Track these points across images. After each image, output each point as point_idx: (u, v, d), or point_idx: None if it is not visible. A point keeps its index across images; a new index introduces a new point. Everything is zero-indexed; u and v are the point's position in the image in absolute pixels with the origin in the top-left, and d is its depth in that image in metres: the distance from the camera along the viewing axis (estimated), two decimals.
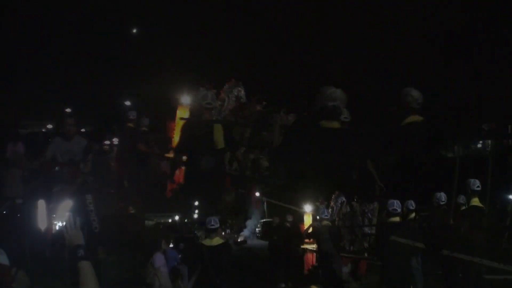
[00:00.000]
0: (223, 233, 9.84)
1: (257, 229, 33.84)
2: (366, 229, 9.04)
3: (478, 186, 6.16)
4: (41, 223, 7.38)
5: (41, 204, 7.23)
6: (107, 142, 8.78)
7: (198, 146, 6.87)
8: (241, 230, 36.19)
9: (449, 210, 6.98)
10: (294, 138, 7.01)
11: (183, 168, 8.19)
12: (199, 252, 6.06)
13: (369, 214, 8.92)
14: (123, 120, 8.50)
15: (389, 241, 5.77)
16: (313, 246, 10.41)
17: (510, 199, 15.49)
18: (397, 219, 5.90)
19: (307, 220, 11.56)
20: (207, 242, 5.96)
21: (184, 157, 7.65)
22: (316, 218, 10.18)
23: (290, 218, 11.75)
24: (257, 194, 10.93)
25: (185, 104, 7.98)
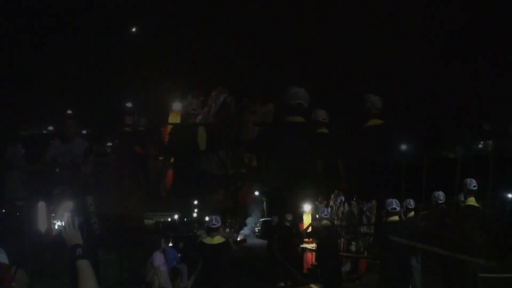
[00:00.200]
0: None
1: (256, 229, 33.83)
2: (365, 228, 9.05)
3: (474, 186, 6.15)
4: (41, 225, 7.38)
5: (41, 206, 7.23)
6: (109, 144, 8.89)
7: (182, 148, 7.48)
8: (241, 228, 36.27)
9: (448, 209, 6.99)
10: (268, 133, 7.60)
11: (171, 170, 8.53)
12: (200, 250, 6.10)
13: (367, 213, 8.93)
14: (120, 124, 8.64)
15: (389, 240, 5.77)
16: (312, 245, 10.42)
17: (510, 198, 15.50)
18: (396, 218, 5.89)
19: (307, 220, 11.57)
20: (207, 240, 6.00)
21: (172, 159, 8.14)
22: (316, 217, 10.19)
23: (289, 217, 11.77)
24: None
25: (176, 110, 8.35)
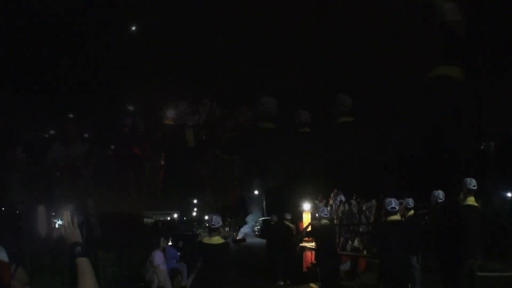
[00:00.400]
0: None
1: (255, 228, 33.84)
2: (364, 227, 9.04)
3: (474, 185, 6.15)
4: (42, 229, 7.41)
5: (42, 209, 7.25)
6: (112, 147, 9.00)
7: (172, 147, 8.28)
8: (241, 227, 36.35)
9: (447, 208, 6.99)
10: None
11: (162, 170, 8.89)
12: (199, 249, 6.09)
13: (367, 212, 8.92)
14: (119, 127, 8.78)
15: (388, 239, 5.78)
16: (311, 244, 10.42)
17: (509, 197, 15.50)
18: (395, 217, 5.89)
19: (306, 219, 11.58)
20: (207, 240, 5.99)
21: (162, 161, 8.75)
22: (315, 216, 10.19)
23: (288, 216, 11.77)
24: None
25: (170, 116, 8.88)
